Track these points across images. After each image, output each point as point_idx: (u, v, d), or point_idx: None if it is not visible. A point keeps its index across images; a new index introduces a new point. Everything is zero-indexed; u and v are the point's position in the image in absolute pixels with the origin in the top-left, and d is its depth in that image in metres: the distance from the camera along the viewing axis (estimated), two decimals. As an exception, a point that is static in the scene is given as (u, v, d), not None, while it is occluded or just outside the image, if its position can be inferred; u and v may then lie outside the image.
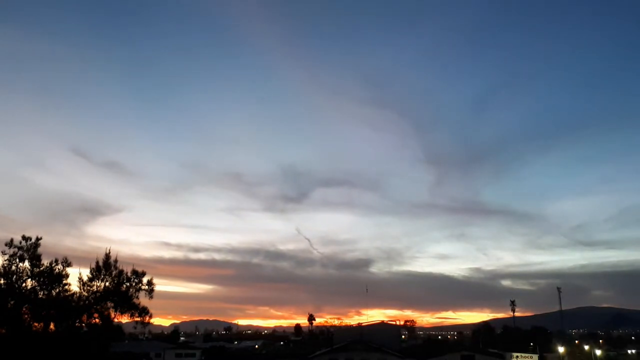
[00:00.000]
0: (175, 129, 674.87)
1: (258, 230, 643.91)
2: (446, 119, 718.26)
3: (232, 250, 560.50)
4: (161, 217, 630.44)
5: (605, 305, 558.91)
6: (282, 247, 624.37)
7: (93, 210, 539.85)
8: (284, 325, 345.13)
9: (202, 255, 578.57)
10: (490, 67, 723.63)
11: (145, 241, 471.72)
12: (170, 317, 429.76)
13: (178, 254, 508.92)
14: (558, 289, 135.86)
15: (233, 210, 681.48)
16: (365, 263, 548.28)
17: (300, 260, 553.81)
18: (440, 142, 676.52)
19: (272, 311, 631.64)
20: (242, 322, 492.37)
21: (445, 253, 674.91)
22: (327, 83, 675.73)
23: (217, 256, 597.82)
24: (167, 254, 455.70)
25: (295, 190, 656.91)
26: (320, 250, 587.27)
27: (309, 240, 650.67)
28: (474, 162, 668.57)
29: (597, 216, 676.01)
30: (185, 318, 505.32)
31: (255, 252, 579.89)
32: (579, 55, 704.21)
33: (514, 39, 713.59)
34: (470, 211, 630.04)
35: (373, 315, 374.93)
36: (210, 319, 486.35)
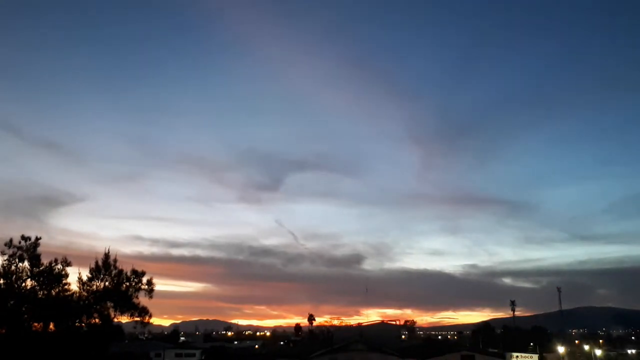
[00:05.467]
0: (119, 104, 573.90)
1: (235, 223, 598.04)
2: (426, 86, 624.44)
3: (213, 246, 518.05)
4: (126, 208, 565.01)
5: (605, 304, 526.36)
6: (266, 242, 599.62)
7: (52, 200, 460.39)
8: (283, 325, 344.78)
9: (184, 252, 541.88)
10: (472, 20, 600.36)
11: (116, 235, 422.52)
12: (165, 316, 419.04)
13: (156, 250, 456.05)
14: (558, 288, 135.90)
15: (203, 200, 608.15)
16: (356, 260, 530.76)
17: (289, 256, 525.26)
18: (422, 113, 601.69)
19: (269, 310, 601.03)
20: (242, 322, 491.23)
21: (438, 248, 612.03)
22: (291, 48, 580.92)
23: (199, 252, 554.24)
24: (144, 249, 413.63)
25: (266, 176, 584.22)
26: (307, 245, 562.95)
27: (294, 235, 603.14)
28: (459, 140, 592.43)
29: (596, 206, 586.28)
30: (181, 317, 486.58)
31: (238, 247, 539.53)
32: (574, 5, 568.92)
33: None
34: (459, 200, 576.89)
35: (370, 315, 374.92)
36: (210, 318, 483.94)
